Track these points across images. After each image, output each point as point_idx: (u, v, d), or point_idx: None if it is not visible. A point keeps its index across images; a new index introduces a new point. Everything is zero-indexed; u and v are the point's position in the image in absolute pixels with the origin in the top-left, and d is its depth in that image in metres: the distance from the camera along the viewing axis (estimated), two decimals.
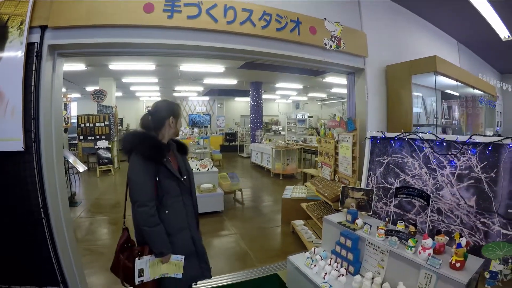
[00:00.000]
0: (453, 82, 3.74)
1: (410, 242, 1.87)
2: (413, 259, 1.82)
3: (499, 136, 1.87)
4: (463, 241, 1.72)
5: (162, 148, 1.67)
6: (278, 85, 10.79)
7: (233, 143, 14.54)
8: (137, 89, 11.38)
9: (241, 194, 5.58)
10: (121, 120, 12.07)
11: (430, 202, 2.04)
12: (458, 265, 1.65)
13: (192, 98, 15.41)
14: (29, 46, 2.23)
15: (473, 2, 3.54)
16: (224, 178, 5.48)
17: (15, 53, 2.26)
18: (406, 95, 3.05)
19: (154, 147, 1.63)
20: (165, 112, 1.76)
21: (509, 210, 1.79)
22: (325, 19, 2.81)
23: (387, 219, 2.34)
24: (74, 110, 9.23)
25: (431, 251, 1.79)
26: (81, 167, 4.86)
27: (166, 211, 1.66)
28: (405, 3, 3.77)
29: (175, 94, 13.04)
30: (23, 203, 2.19)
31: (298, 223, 3.73)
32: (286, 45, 2.67)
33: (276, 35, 2.57)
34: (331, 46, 2.79)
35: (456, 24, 4.49)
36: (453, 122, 4.48)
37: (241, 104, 16.56)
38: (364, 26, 3.17)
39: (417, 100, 3.35)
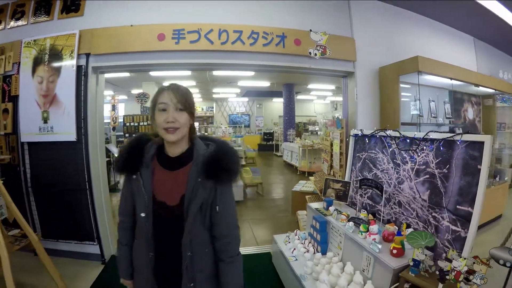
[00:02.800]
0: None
1: (362, 227, 2.17)
2: (360, 243, 2.11)
3: None
4: (409, 231, 1.94)
5: (137, 160, 1.22)
6: (310, 86, 11.19)
7: (270, 143, 15.22)
8: None
9: (262, 187, 6.24)
10: None
11: (392, 195, 2.37)
12: (395, 251, 1.85)
13: (231, 99, 16.37)
14: (78, 68, 3.16)
15: (482, 2, 3.71)
16: (247, 172, 6.16)
17: (68, 73, 3.12)
18: (394, 95, 3.39)
19: (122, 157, 1.26)
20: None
21: (458, 207, 1.87)
22: (310, 30, 3.33)
23: (356, 209, 2.71)
24: (121, 110, 10.35)
25: (376, 236, 2.05)
26: None
27: (135, 240, 1.28)
28: (403, 3, 4.02)
29: (214, 96, 14.03)
30: (74, 176, 3.20)
31: (301, 213, 4.20)
32: (273, 56, 3.28)
33: (263, 50, 3.19)
34: (315, 54, 3.30)
35: (469, 20, 4.48)
36: (465, 122, 4.56)
37: (280, 105, 17.17)
38: (355, 31, 3.59)
39: (414, 99, 3.59)
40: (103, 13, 3.18)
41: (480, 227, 3.62)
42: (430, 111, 3.88)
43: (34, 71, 3.25)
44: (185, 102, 1.16)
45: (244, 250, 3.49)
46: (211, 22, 3.11)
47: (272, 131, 15.83)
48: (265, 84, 10.70)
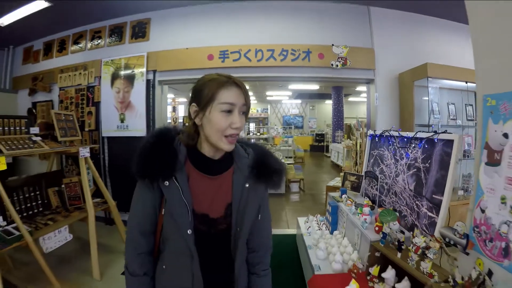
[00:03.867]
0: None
1: (358, 210, 2.67)
2: (355, 222, 2.60)
3: None
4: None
5: (171, 162, 0.96)
6: (359, 88, 11.36)
7: (321, 144, 15.50)
8: None
9: (303, 183, 6.85)
10: None
11: (391, 186, 2.71)
12: (377, 228, 2.27)
13: (285, 101, 17.01)
14: (147, 81, 4.05)
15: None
16: (291, 168, 6.81)
17: (140, 85, 4.07)
18: (409, 99, 3.73)
19: (146, 156, 0.97)
20: (192, 95, 1.03)
21: (433, 196, 2.13)
22: (333, 45, 3.81)
23: (367, 198, 3.17)
24: (181, 111, 11.34)
25: (367, 217, 2.49)
26: None
27: (164, 266, 1.04)
28: (423, 9, 4.25)
29: (268, 98, 14.90)
30: None
31: None
32: (300, 69, 3.86)
33: (292, 64, 3.83)
34: (337, 65, 3.80)
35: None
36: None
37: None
38: (375, 41, 4.04)
39: (431, 102, 3.85)
40: (164, 38, 4.11)
41: None
42: (449, 113, 4.05)
43: (112, 83, 4.29)
44: (249, 105, 1.01)
45: (275, 231, 4.11)
46: (249, 43, 3.89)
47: (323, 132, 16.12)
48: (314, 87, 11.16)
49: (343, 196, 3.23)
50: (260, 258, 1.15)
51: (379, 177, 2.99)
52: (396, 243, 1.91)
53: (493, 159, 1.46)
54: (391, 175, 2.89)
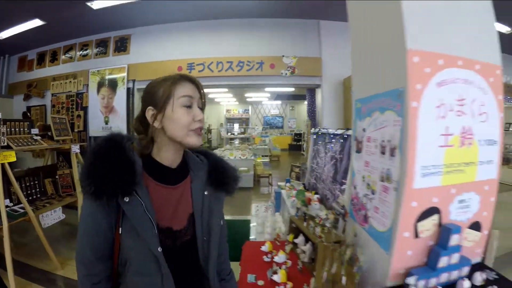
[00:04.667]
0: None
1: (291, 193, 3.06)
2: (286, 202, 2.96)
3: None
4: (315, 197, 2.48)
5: (129, 174, 0.80)
6: None
7: (299, 143, 15.87)
8: (215, 96, 13.81)
9: (271, 178, 7.11)
10: None
11: (321, 174, 3.13)
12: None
13: (265, 103, 17.27)
14: (128, 89, 4.34)
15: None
16: (259, 165, 7.06)
17: (122, 93, 4.35)
18: (350, 101, 4.05)
19: (100, 168, 0.78)
20: (144, 99, 0.94)
21: (342, 180, 2.34)
22: (283, 56, 4.13)
23: (302, 185, 3.52)
24: None
25: (294, 198, 2.80)
26: None
27: None
28: None
29: (248, 99, 15.13)
30: None
31: None
32: (254, 78, 4.17)
33: (247, 73, 4.18)
34: (286, 74, 4.13)
35: None
36: None
37: None
38: (323, 51, 4.37)
39: None
40: (142, 52, 4.49)
41: None
42: None
43: (98, 90, 4.61)
44: (205, 99, 0.95)
45: (237, 217, 4.43)
46: (211, 56, 4.26)
47: (302, 132, 16.47)
48: (290, 89, 11.44)
49: (287, 184, 3.56)
50: (222, 264, 1.08)
51: (315, 168, 3.32)
52: (303, 215, 2.24)
53: (358, 148, 1.79)
54: (322, 166, 3.22)
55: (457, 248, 1.38)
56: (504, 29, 4.70)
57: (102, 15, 4.11)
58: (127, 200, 0.80)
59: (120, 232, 0.83)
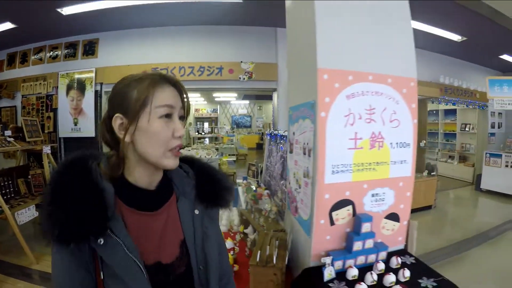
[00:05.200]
0: None
1: (245, 189, 3.12)
2: (241, 197, 2.88)
3: None
4: (265, 193, 2.51)
5: (100, 208, 0.57)
6: None
7: None
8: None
9: (235, 176, 7.11)
10: None
11: (272, 172, 3.21)
12: (252, 201, 2.47)
13: (234, 102, 16.95)
14: (96, 92, 4.22)
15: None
16: (224, 164, 6.95)
17: (90, 95, 4.21)
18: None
19: (61, 208, 0.55)
20: (112, 102, 0.68)
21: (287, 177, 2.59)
22: (241, 61, 4.17)
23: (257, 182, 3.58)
24: None
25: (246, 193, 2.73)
26: None
27: None
28: None
29: (216, 99, 14.43)
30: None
31: None
32: (214, 82, 4.17)
33: (207, 78, 4.22)
34: (244, 78, 4.18)
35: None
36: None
37: None
38: (280, 57, 4.42)
39: None
40: (110, 57, 4.37)
41: (413, 211, 4.52)
42: None
43: (67, 93, 4.42)
44: (188, 108, 0.71)
45: None
46: (174, 61, 4.18)
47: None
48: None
49: (243, 181, 3.61)
50: (225, 286, 0.85)
51: (269, 166, 3.39)
52: (251, 208, 2.32)
53: (291, 149, 1.89)
54: (274, 164, 3.29)
55: (370, 235, 1.50)
56: (456, 37, 4.81)
57: (72, 20, 3.93)
58: (101, 243, 0.56)
59: (102, 277, 0.59)
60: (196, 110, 15.40)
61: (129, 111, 0.62)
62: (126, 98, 0.63)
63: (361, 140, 1.50)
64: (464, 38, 4.77)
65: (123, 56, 4.32)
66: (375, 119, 1.52)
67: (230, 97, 14.14)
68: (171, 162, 0.64)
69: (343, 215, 1.54)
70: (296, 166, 1.78)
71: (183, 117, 0.69)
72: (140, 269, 0.59)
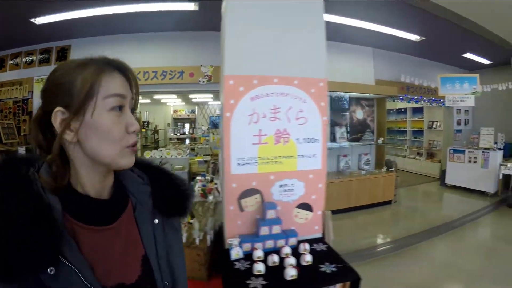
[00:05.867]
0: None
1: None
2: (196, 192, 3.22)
3: None
4: (214, 187, 2.64)
5: (46, 229, 0.43)
6: None
7: None
8: (160, 97, 12.05)
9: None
10: (147, 122, 12.87)
11: None
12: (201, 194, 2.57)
13: (211, 103, 16.35)
14: None
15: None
16: (195, 163, 6.99)
17: None
18: None
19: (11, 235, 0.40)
20: (48, 95, 0.53)
21: None
22: (201, 65, 4.36)
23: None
24: None
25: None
26: None
27: None
28: None
29: (193, 100, 13.66)
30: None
31: None
32: (176, 85, 4.41)
33: (170, 82, 4.43)
34: (204, 81, 4.38)
35: (369, 34, 4.74)
36: (352, 121, 5.10)
37: None
38: None
39: None
40: None
41: (372, 206, 4.76)
42: None
43: None
44: (138, 98, 0.61)
45: None
46: (139, 66, 4.34)
47: None
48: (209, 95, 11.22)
49: (200, 177, 3.78)
50: None
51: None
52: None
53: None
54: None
55: (276, 221, 1.68)
56: (414, 37, 4.87)
57: (45, 28, 4.05)
58: (52, 272, 0.43)
59: None
60: (175, 111, 15.35)
61: (72, 104, 0.50)
62: (67, 88, 0.50)
63: (265, 136, 1.69)
64: (422, 38, 4.87)
65: None
66: (280, 117, 1.72)
67: (206, 98, 13.67)
68: (129, 161, 0.55)
69: (251, 203, 1.73)
70: (221, 158, 1.98)
71: (133, 110, 0.58)
72: None
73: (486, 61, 6.40)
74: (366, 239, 3.61)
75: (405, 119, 8.71)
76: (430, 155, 7.79)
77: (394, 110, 9.26)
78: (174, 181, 0.67)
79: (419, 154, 8.09)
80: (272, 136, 1.73)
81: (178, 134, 10.88)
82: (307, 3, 1.75)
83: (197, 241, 1.73)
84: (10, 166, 0.48)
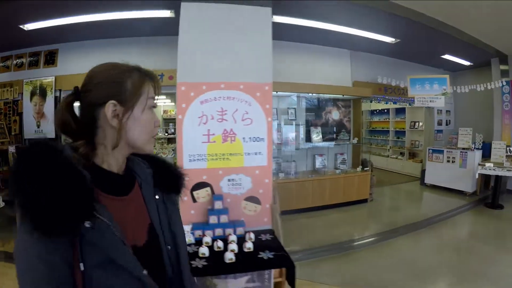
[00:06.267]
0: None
1: None
2: None
3: None
4: None
5: (86, 191, 0.55)
6: None
7: None
8: None
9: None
10: None
11: None
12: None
13: None
14: (55, 98, 4.57)
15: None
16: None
17: (50, 101, 4.57)
18: None
19: (57, 194, 0.51)
20: (102, 89, 0.66)
21: None
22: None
23: None
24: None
25: None
26: None
27: None
28: (286, 37, 4.78)
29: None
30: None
31: None
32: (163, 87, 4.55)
33: None
34: None
35: (346, 37, 4.84)
36: (327, 121, 5.27)
37: None
38: None
39: None
40: (68, 66, 4.70)
41: (348, 204, 4.88)
42: (289, 115, 4.89)
43: (31, 98, 4.77)
44: None
45: None
46: None
47: None
48: None
49: None
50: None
51: None
52: None
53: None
54: None
55: (223, 211, 1.92)
56: (389, 39, 4.97)
57: (34, 33, 4.27)
58: (88, 226, 0.54)
59: (83, 269, 0.54)
60: (165, 111, 15.47)
61: (125, 99, 0.64)
62: (119, 86, 0.65)
63: (213, 135, 1.94)
64: (398, 40, 4.95)
65: (79, 65, 4.67)
66: (227, 119, 1.96)
67: None
68: (152, 146, 0.72)
69: (203, 195, 1.98)
70: None
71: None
72: (127, 247, 0.60)
73: (466, 63, 6.55)
74: (333, 235, 3.67)
75: (388, 120, 8.86)
76: (412, 155, 7.93)
77: (377, 111, 9.41)
78: (168, 165, 0.83)
79: (402, 154, 8.24)
80: (220, 135, 1.97)
81: (167, 134, 11.04)
82: (255, 9, 1.99)
83: None
84: (52, 145, 0.58)
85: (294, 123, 4.85)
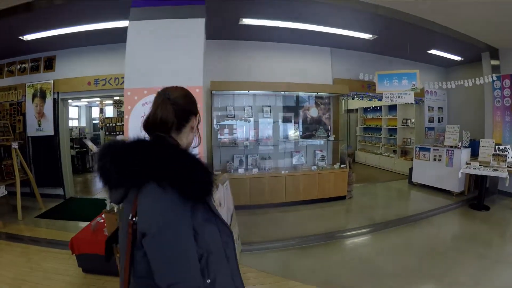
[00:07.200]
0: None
1: None
2: None
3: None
4: None
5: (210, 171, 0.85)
6: None
7: None
8: None
9: None
10: None
11: None
12: None
13: None
14: (54, 99, 5.14)
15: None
16: None
17: (49, 102, 5.14)
18: (208, 105, 4.76)
19: (200, 171, 0.81)
20: (191, 104, 0.98)
21: None
22: None
23: None
24: (108, 113, 10.61)
25: None
26: (96, 148, 7.54)
27: (209, 280, 0.79)
28: (262, 37, 5.04)
29: None
30: (53, 152, 5.45)
31: None
32: None
33: (121, 87, 4.96)
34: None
35: (326, 36, 4.96)
36: (306, 118, 5.54)
37: None
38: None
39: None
40: (64, 70, 5.31)
41: (325, 200, 5.04)
42: (264, 113, 5.14)
43: (33, 100, 5.35)
44: None
45: None
46: (110, 73, 5.23)
47: None
48: None
49: None
50: None
51: None
52: None
53: None
54: None
55: None
56: (367, 36, 5.03)
57: (33, 42, 4.85)
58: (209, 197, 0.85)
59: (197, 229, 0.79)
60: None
61: (197, 116, 1.01)
62: (195, 107, 1.01)
63: None
64: (376, 36, 4.98)
65: (74, 69, 5.25)
66: None
67: None
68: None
69: None
70: None
71: None
72: (219, 221, 0.91)
73: (457, 58, 6.43)
74: (298, 231, 3.78)
75: (381, 117, 8.90)
76: (404, 153, 7.91)
77: (371, 108, 9.50)
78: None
79: (394, 151, 8.28)
80: None
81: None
82: (190, 22, 2.39)
83: (115, 209, 2.41)
84: (166, 140, 0.92)
85: (271, 120, 5.11)
